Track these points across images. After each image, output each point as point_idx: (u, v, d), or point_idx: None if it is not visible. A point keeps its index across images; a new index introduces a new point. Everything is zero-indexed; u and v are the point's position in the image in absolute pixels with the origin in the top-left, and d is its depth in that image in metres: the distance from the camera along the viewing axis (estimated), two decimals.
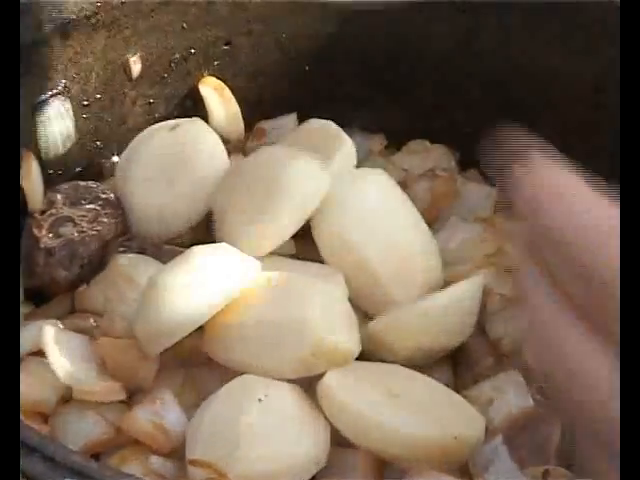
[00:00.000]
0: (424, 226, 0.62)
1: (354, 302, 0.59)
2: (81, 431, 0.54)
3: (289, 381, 0.53)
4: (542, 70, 0.70)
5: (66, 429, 0.54)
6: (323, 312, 0.53)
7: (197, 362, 0.58)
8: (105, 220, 0.65)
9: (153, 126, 0.70)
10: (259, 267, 0.56)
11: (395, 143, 0.76)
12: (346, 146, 0.67)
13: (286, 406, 0.51)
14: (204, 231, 0.66)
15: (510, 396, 0.53)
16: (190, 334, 0.55)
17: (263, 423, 0.50)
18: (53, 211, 0.65)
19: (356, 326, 0.56)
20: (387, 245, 0.59)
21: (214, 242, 0.60)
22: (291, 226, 0.60)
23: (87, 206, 0.65)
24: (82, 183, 0.67)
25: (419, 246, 0.61)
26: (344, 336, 0.54)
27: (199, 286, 0.54)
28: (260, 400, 0.50)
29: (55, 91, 0.68)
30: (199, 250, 0.56)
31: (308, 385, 0.54)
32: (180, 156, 0.66)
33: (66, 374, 0.54)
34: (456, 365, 0.59)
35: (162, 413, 0.54)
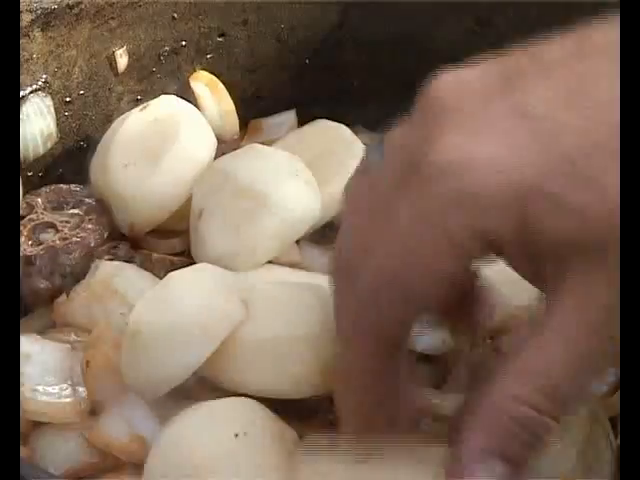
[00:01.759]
0: None
1: None
2: (63, 454, 0.56)
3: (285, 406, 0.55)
4: None
5: (46, 452, 0.56)
6: (330, 329, 0.55)
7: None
8: (89, 226, 0.67)
9: (121, 116, 0.72)
10: (243, 312, 0.57)
11: None
12: (360, 153, 0.68)
13: (263, 449, 0.51)
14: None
15: None
16: None
17: (230, 462, 0.50)
18: (33, 216, 0.66)
19: None
20: None
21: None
22: (276, 245, 0.64)
23: (70, 211, 0.67)
24: (64, 186, 0.69)
25: None
26: None
27: (186, 335, 0.55)
28: (236, 436, 0.51)
29: (35, 87, 0.68)
30: (179, 285, 0.58)
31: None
32: (158, 135, 0.68)
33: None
34: None
35: (132, 420, 0.55)
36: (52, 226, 0.66)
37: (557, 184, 0.39)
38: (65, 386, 0.57)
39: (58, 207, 0.68)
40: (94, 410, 0.57)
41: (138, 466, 0.54)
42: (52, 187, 0.69)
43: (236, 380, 0.56)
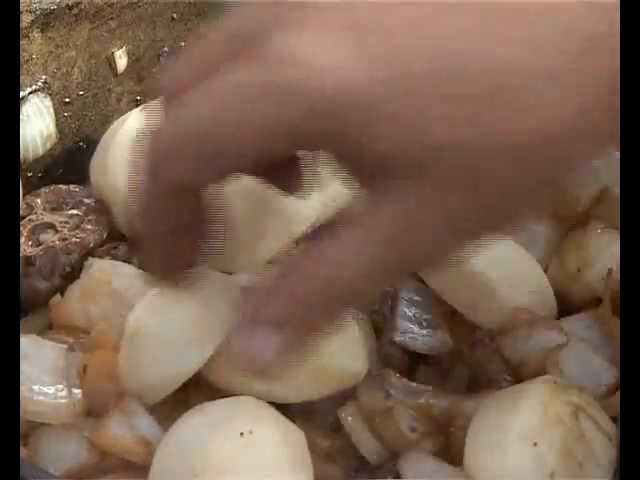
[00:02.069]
0: None
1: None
2: (62, 454, 0.56)
3: (287, 408, 0.56)
4: None
5: (46, 451, 0.56)
6: (324, 337, 0.56)
7: (187, 381, 0.60)
8: (89, 227, 0.67)
9: (121, 117, 0.72)
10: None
11: None
12: None
13: (269, 447, 0.52)
14: None
15: None
16: None
17: (237, 461, 0.51)
18: (32, 217, 0.66)
19: (362, 342, 0.59)
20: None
21: None
22: (275, 246, 0.64)
23: (69, 211, 0.67)
24: (64, 187, 0.69)
25: None
26: (349, 358, 0.57)
27: (186, 336, 0.55)
28: (242, 434, 0.51)
29: (34, 87, 0.68)
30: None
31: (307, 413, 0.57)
32: None
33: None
34: None
35: (135, 423, 0.55)
36: (52, 227, 0.66)
37: (392, 103, 0.39)
38: (61, 387, 0.57)
39: (57, 208, 0.68)
40: (91, 412, 0.57)
41: (139, 467, 0.54)
42: (52, 188, 0.69)
43: (234, 384, 0.56)
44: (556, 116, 0.40)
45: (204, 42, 0.46)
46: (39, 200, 0.68)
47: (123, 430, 0.55)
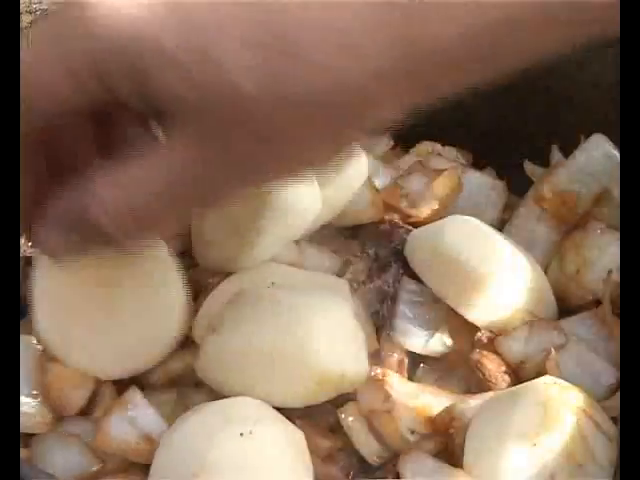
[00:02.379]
0: None
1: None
2: (63, 462, 0.56)
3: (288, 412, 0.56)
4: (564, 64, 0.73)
5: (47, 459, 0.56)
6: (329, 340, 0.57)
7: (188, 382, 0.61)
8: None
9: None
10: None
11: (403, 145, 0.78)
12: (358, 157, 0.69)
13: (269, 447, 0.52)
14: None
15: None
16: (179, 355, 0.60)
17: (237, 461, 0.51)
18: None
19: (363, 344, 0.59)
20: None
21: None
22: (275, 245, 0.64)
23: None
24: None
25: None
26: (350, 363, 0.58)
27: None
28: (242, 435, 0.52)
29: None
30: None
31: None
32: None
33: None
34: None
35: (137, 418, 0.56)
36: None
37: (181, 50, 0.43)
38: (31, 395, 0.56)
39: None
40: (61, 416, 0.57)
41: (142, 469, 0.55)
42: None
43: (235, 385, 0.57)
44: (349, 76, 0.42)
45: None
46: None
47: (124, 428, 0.55)
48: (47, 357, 0.57)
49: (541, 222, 0.67)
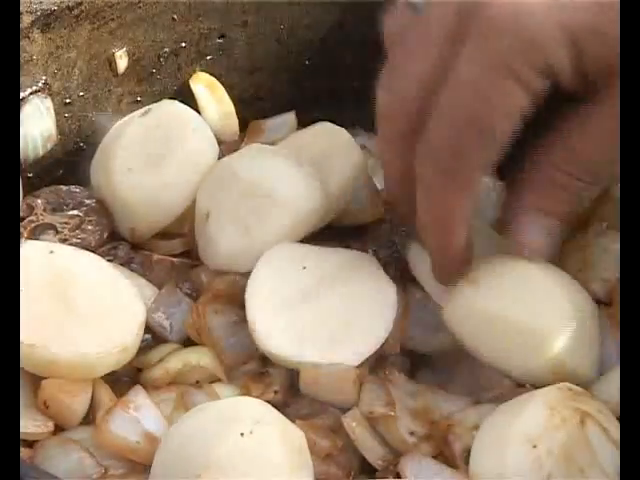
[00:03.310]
0: None
1: None
2: (64, 469, 0.55)
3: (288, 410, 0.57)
4: None
5: (48, 463, 0.55)
6: (571, 330, 0.55)
7: (188, 382, 0.61)
8: (89, 227, 0.67)
9: (122, 119, 0.72)
10: None
11: None
12: (358, 157, 0.70)
13: (269, 447, 0.52)
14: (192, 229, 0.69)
15: None
16: (179, 355, 0.61)
17: (237, 461, 0.51)
18: (33, 218, 0.66)
19: (596, 347, 0.57)
20: None
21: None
22: (275, 245, 0.64)
23: (70, 212, 0.68)
24: (64, 187, 0.70)
25: None
26: (583, 360, 0.56)
27: None
28: (242, 434, 0.52)
29: (35, 88, 0.68)
30: None
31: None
32: (162, 140, 0.69)
33: None
34: None
35: (139, 418, 0.56)
36: (52, 227, 0.67)
37: (603, 24, 0.46)
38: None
39: (58, 208, 0.68)
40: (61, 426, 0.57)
41: (143, 475, 0.55)
42: (52, 188, 0.70)
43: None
44: None
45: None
46: (39, 201, 0.68)
47: (130, 429, 0.55)
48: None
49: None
